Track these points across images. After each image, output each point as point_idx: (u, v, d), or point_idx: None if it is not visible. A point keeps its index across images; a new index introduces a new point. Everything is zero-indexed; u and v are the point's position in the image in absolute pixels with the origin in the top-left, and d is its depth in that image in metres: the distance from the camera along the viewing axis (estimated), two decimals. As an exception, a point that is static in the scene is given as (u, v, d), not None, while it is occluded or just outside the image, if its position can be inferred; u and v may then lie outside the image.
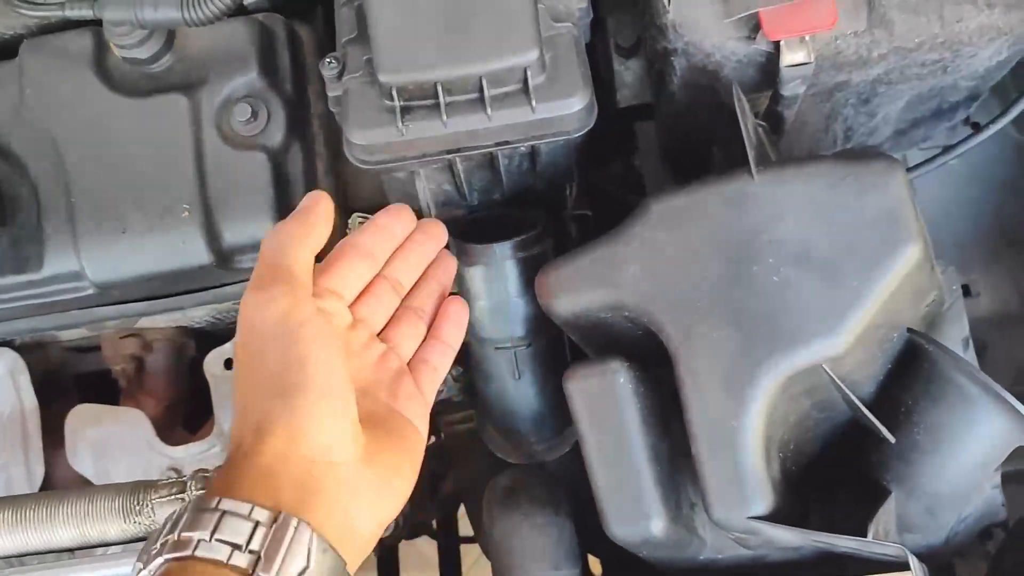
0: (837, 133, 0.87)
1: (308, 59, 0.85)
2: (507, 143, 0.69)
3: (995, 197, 1.13)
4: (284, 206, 0.80)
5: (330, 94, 0.71)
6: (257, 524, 0.51)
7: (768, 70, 0.72)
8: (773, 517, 0.63)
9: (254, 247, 0.81)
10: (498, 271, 0.75)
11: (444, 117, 0.67)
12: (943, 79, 0.78)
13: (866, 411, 0.64)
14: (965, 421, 0.65)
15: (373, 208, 0.84)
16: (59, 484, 0.89)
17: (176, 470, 0.85)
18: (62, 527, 0.68)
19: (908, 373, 0.68)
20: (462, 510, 1.13)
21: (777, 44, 0.69)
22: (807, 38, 0.68)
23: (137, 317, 0.86)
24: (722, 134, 0.79)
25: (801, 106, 0.77)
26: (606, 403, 0.67)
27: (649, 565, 0.74)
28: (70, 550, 0.73)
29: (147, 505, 0.68)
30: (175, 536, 0.52)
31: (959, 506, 0.71)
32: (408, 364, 0.68)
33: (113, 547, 0.73)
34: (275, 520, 0.52)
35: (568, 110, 0.68)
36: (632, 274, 0.66)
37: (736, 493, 0.63)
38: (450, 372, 0.81)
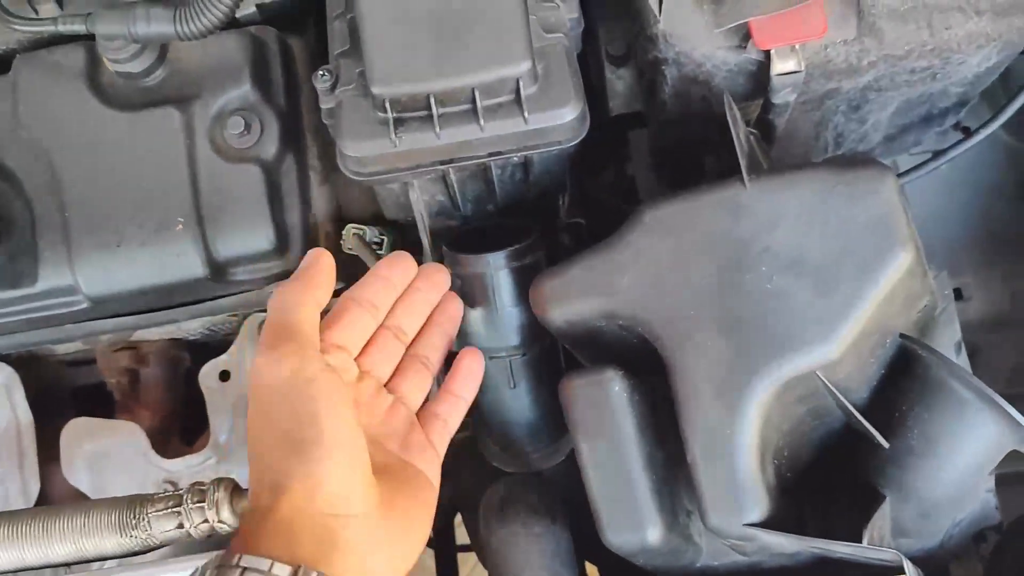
0: (828, 140, 0.87)
1: (301, 72, 0.85)
2: (500, 153, 0.69)
3: (986, 201, 1.13)
4: (278, 218, 0.80)
5: (323, 106, 0.71)
6: None
7: (759, 79, 0.72)
8: (768, 523, 0.64)
9: (248, 259, 0.81)
10: (492, 281, 0.75)
11: (437, 128, 0.67)
12: (933, 85, 0.78)
13: (860, 417, 0.65)
14: (959, 426, 0.66)
15: (368, 219, 0.84)
16: (55, 499, 0.89)
17: (172, 483, 0.85)
18: (58, 542, 0.68)
19: (902, 378, 0.68)
20: (459, 518, 1.13)
21: (767, 53, 0.69)
22: (797, 47, 0.69)
23: (132, 331, 0.86)
24: (714, 142, 0.79)
25: (792, 114, 0.77)
26: (601, 412, 0.67)
27: (647, 573, 0.74)
28: (67, 564, 0.73)
29: (143, 519, 0.68)
30: None
31: (954, 510, 0.71)
32: (420, 416, 0.68)
33: (109, 562, 0.72)
34: (295, 574, 0.53)
35: (560, 120, 0.68)
36: (625, 283, 0.67)
37: (731, 500, 0.63)
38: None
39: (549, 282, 0.69)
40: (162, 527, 0.68)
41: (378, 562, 0.57)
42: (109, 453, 0.87)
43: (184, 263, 0.78)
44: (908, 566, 0.61)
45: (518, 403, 0.79)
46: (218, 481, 0.69)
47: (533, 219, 0.79)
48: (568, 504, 0.81)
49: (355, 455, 0.58)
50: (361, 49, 0.67)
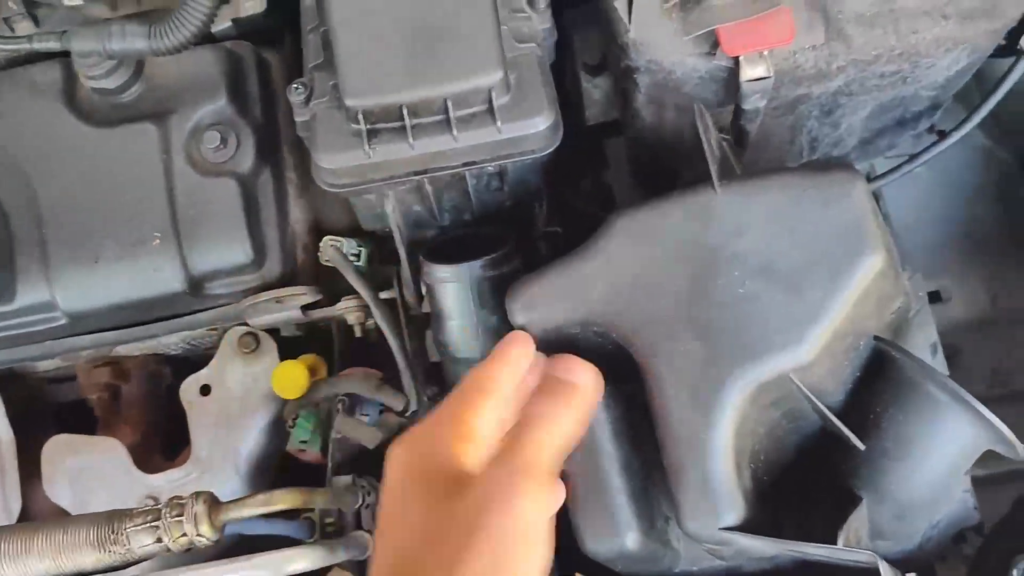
0: (803, 144, 0.88)
1: (278, 85, 0.85)
2: (474, 163, 0.70)
3: (965, 202, 1.14)
4: (255, 232, 0.80)
5: (298, 119, 0.72)
6: None
7: (729, 85, 0.73)
8: (745, 527, 0.64)
9: (226, 273, 0.81)
10: (469, 290, 0.75)
11: (411, 139, 0.68)
12: (904, 89, 0.79)
13: (834, 419, 0.65)
14: (933, 427, 0.66)
15: (345, 231, 0.84)
16: (37, 515, 0.89)
17: (154, 498, 0.85)
18: (37, 559, 0.68)
19: (876, 381, 0.68)
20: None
21: (737, 60, 0.69)
22: (766, 53, 0.69)
23: (111, 346, 0.86)
24: (688, 149, 0.79)
25: (765, 119, 0.77)
26: (578, 419, 0.67)
27: (627, 579, 0.75)
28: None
29: (122, 534, 0.68)
30: None
31: (929, 512, 0.72)
32: None
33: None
34: None
35: (534, 129, 0.69)
36: (599, 290, 0.67)
37: (708, 504, 0.63)
38: (425, 393, 0.81)
39: (525, 290, 0.69)
40: (140, 541, 0.68)
41: None
42: (91, 469, 0.87)
43: (162, 278, 0.79)
44: (884, 567, 0.62)
45: (497, 412, 0.79)
46: (197, 495, 0.69)
47: (510, 228, 0.80)
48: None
49: None
50: (334, 62, 0.67)
